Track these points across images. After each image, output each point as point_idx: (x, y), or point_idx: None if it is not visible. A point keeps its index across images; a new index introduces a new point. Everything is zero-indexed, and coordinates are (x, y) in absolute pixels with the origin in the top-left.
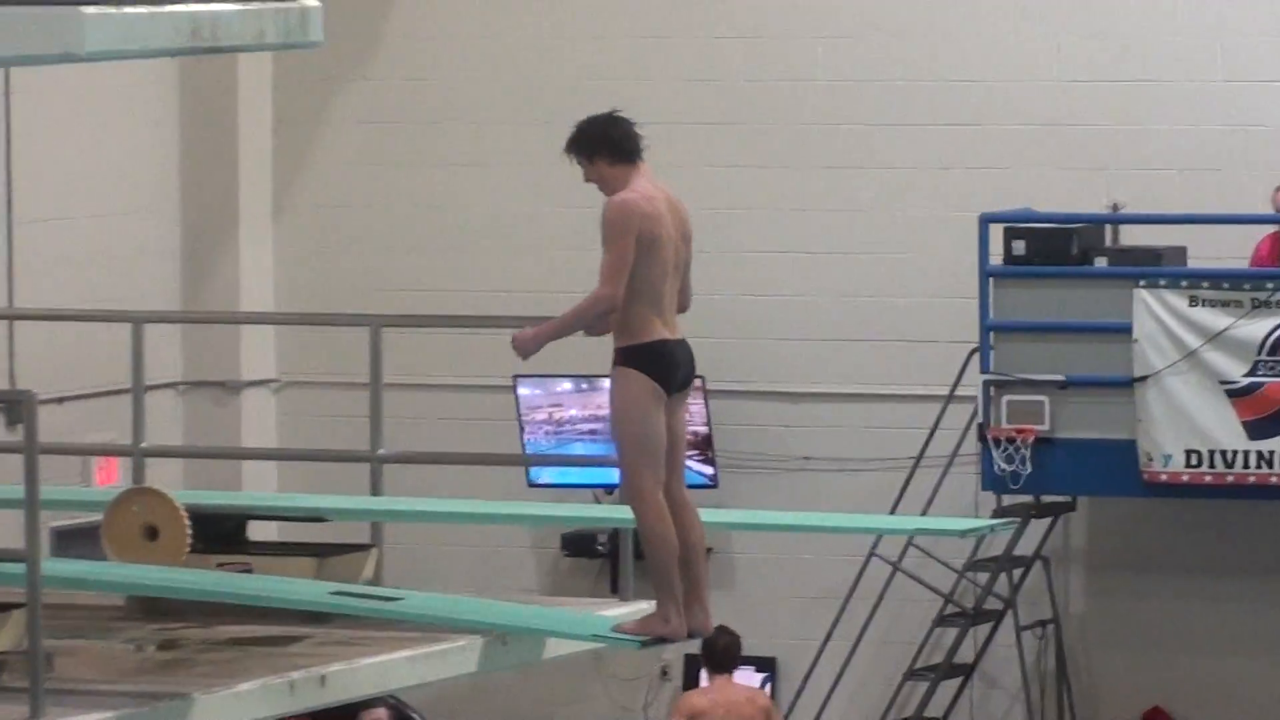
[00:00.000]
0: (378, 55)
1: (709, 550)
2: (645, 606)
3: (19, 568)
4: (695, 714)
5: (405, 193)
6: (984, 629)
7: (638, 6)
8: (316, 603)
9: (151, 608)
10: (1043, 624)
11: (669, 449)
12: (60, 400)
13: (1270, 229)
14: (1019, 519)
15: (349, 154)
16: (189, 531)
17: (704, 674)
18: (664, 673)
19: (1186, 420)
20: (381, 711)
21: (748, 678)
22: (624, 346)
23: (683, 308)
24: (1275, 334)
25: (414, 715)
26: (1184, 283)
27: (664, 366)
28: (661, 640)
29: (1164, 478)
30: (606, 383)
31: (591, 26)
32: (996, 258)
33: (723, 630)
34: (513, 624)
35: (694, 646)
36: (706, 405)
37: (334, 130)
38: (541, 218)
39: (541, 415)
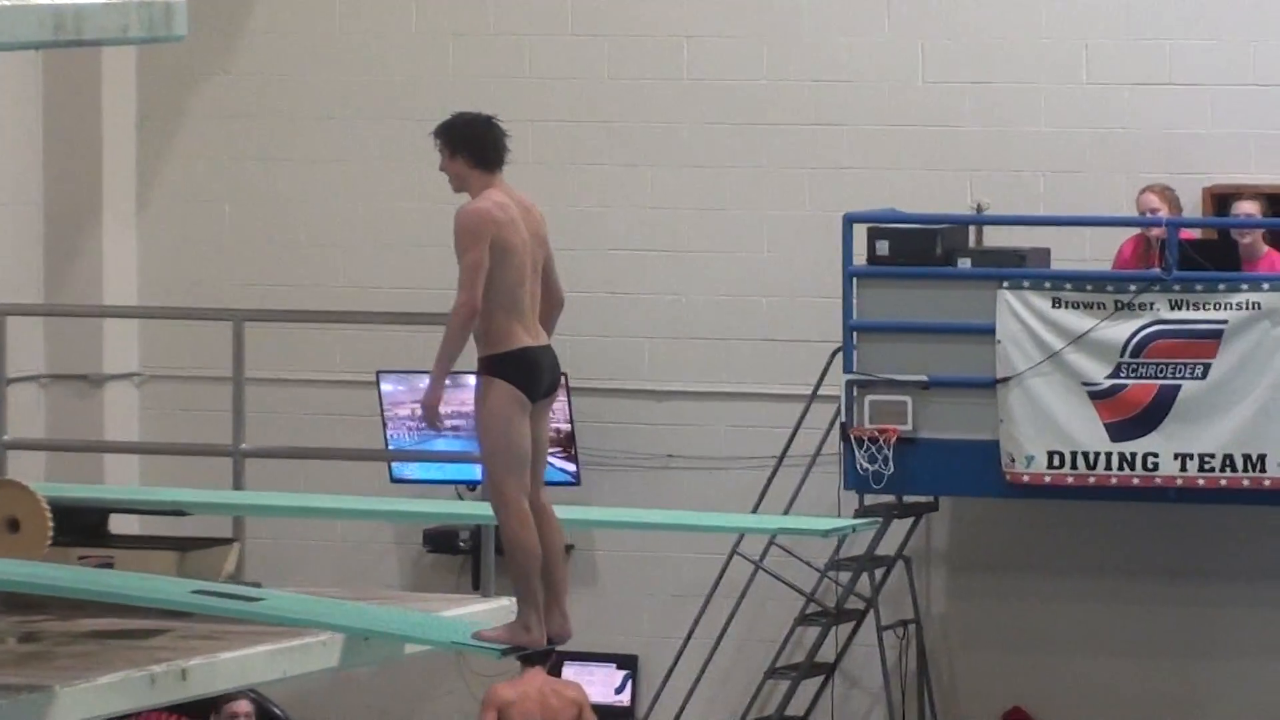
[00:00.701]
0: (240, 51)
1: (570, 548)
2: (506, 603)
3: None
4: (503, 705)
5: (268, 188)
6: (845, 628)
7: (502, 5)
8: (177, 602)
9: (11, 600)
10: (904, 624)
11: (535, 454)
12: None
13: (1133, 231)
14: (881, 519)
15: (213, 148)
16: (50, 524)
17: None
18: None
19: (1049, 421)
20: (243, 703)
21: (607, 675)
22: (487, 356)
23: (558, 304)
24: (1138, 336)
25: (275, 709)
26: (1047, 284)
27: (528, 374)
28: (520, 649)
29: (1026, 478)
30: (470, 379)
31: (456, 25)
32: (860, 258)
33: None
34: (374, 628)
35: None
36: (570, 403)
37: (198, 124)
38: (402, 214)
39: (404, 411)
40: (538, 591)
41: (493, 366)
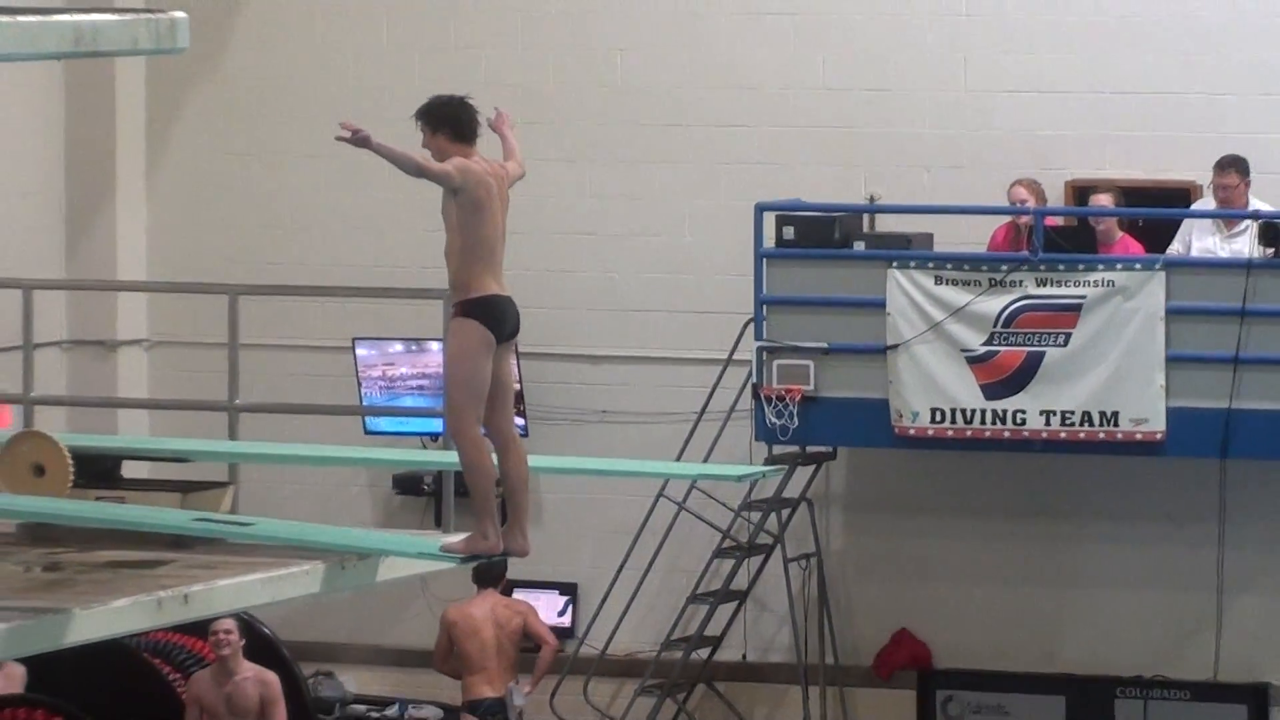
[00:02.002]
0: (233, 60)
1: None
2: (463, 536)
3: None
4: (457, 619)
5: (259, 179)
6: (756, 561)
7: (461, 23)
8: (181, 527)
9: (38, 534)
10: (807, 557)
11: (499, 390)
12: None
13: (1004, 219)
14: (787, 466)
15: (211, 144)
16: (71, 469)
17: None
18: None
19: (932, 383)
20: (226, 622)
21: (550, 601)
22: (463, 300)
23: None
24: (1008, 309)
25: (265, 630)
26: (930, 264)
27: (496, 318)
28: (477, 556)
29: (912, 432)
30: (434, 344)
31: (421, 40)
32: (770, 241)
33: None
34: (355, 546)
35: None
36: (519, 365)
37: (198, 124)
38: (374, 202)
39: (376, 373)
40: (492, 505)
41: (467, 309)
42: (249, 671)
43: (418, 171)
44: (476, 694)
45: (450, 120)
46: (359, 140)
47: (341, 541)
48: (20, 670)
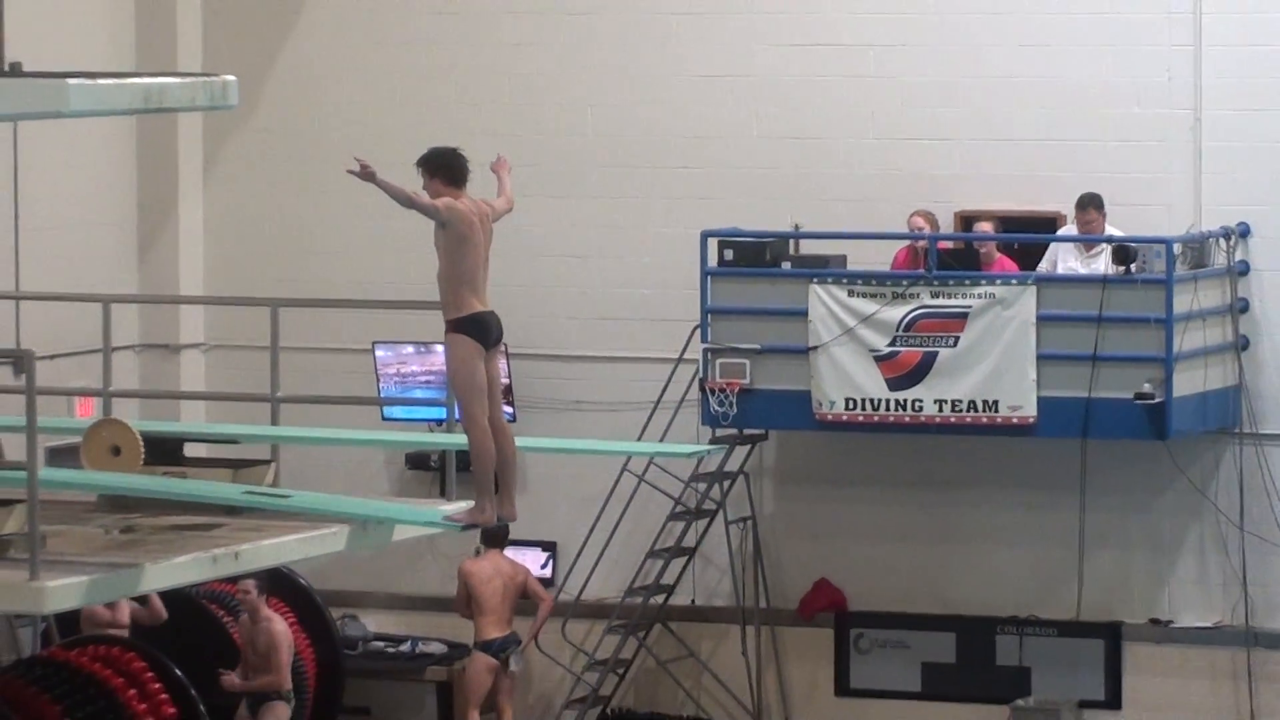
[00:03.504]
0: (275, 111)
1: None
2: (464, 504)
3: (22, 475)
4: (468, 574)
5: (296, 208)
6: (703, 523)
7: (461, 80)
8: (232, 499)
9: (115, 503)
10: (744, 519)
11: (490, 387)
12: (52, 357)
13: (904, 243)
14: (727, 445)
15: (256, 181)
16: (142, 450)
17: (482, 548)
18: (477, 551)
19: (846, 377)
20: (249, 581)
21: (534, 556)
22: (452, 319)
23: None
24: (908, 316)
25: (301, 580)
26: (844, 280)
27: (480, 331)
28: (475, 525)
29: (830, 417)
30: (440, 348)
31: (425, 94)
32: (713, 262)
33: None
34: (376, 515)
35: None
36: (509, 363)
37: (246, 164)
38: (391, 229)
39: (392, 370)
40: (490, 484)
41: (457, 326)
42: (266, 620)
43: (408, 203)
44: (487, 635)
45: (444, 167)
46: (366, 175)
47: (363, 511)
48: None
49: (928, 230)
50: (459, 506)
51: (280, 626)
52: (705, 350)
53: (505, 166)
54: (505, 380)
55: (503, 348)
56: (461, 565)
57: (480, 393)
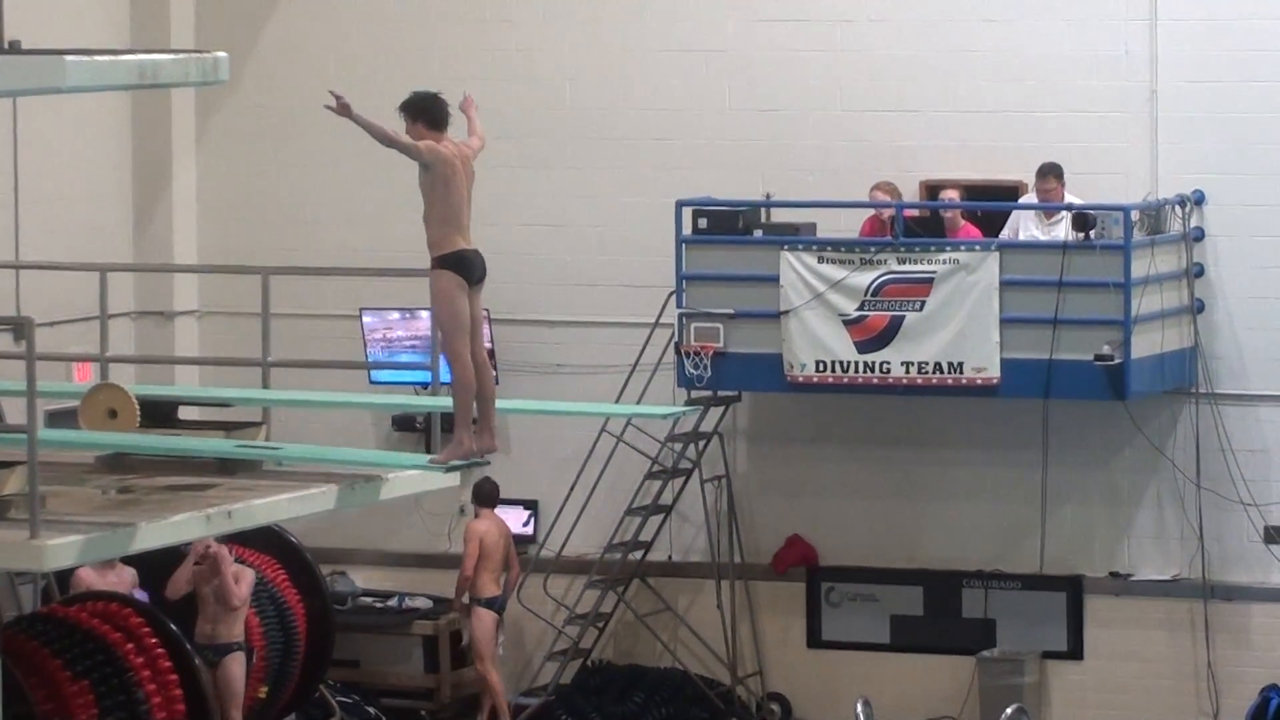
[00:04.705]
0: (264, 85)
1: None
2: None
3: (22, 436)
4: (478, 534)
5: (286, 180)
6: (679, 481)
7: (445, 60)
8: (224, 452)
9: (112, 464)
10: (718, 478)
11: (472, 324)
12: (52, 324)
13: (869, 213)
14: (702, 406)
15: (248, 153)
16: (138, 413)
17: (473, 507)
18: (461, 510)
19: (816, 340)
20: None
21: (516, 514)
22: (437, 255)
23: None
24: (876, 282)
25: (292, 539)
26: (814, 248)
27: (465, 267)
28: (457, 460)
29: (801, 379)
30: (423, 313)
31: (411, 72)
32: (688, 230)
33: (487, 479)
34: (362, 461)
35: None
36: (491, 328)
37: (238, 138)
38: (377, 199)
39: (379, 335)
40: (469, 417)
41: (441, 262)
42: (232, 570)
43: (387, 141)
44: (489, 592)
45: (425, 111)
46: (342, 108)
47: (351, 459)
48: (130, 571)
49: (889, 202)
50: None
51: (250, 574)
52: (680, 315)
53: (473, 105)
54: (489, 345)
55: (484, 318)
56: (469, 526)
57: (463, 327)
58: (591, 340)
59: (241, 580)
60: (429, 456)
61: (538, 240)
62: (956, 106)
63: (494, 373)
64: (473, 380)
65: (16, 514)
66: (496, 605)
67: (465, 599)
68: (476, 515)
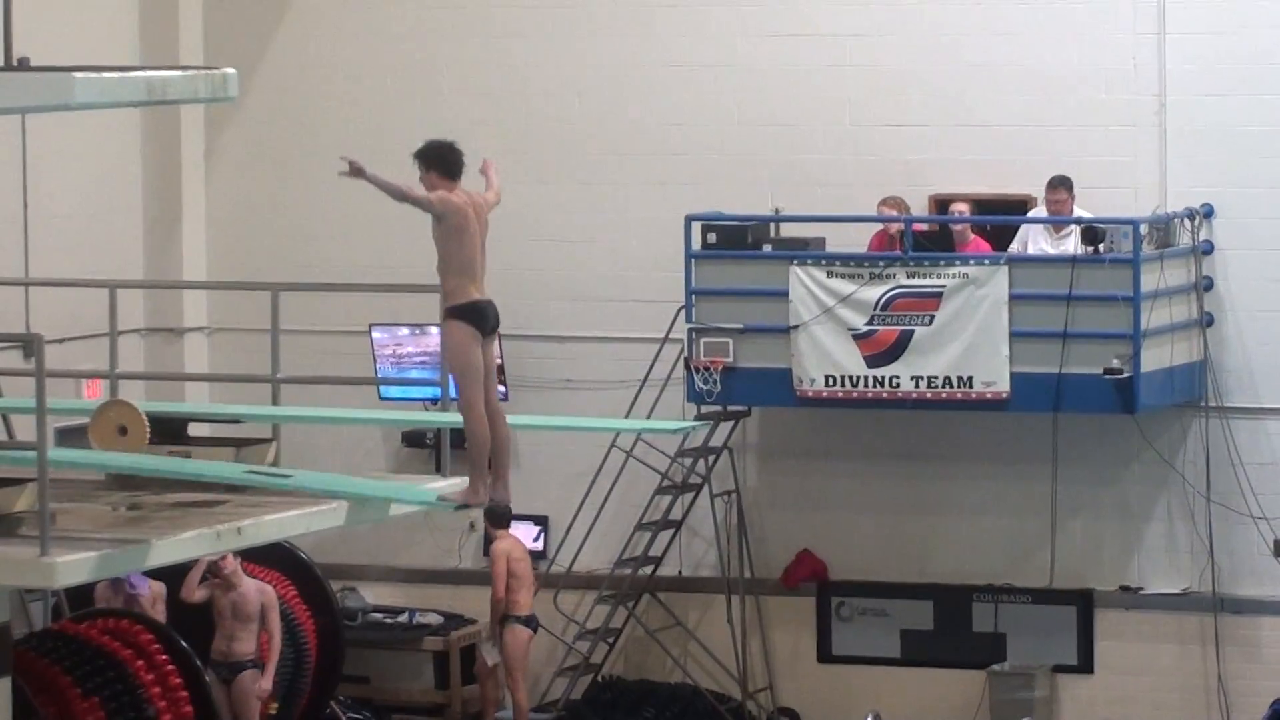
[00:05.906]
0: (270, 105)
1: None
2: (458, 481)
3: (32, 454)
4: (503, 554)
5: (294, 198)
6: (689, 496)
7: (451, 79)
8: (235, 478)
9: (122, 481)
10: (728, 493)
11: (485, 373)
12: (61, 341)
13: (878, 227)
14: (712, 421)
15: (257, 172)
16: (148, 429)
17: (484, 525)
18: (471, 526)
19: (825, 355)
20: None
21: (527, 530)
22: (450, 306)
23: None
24: (885, 296)
25: (302, 555)
26: (823, 262)
27: (477, 318)
28: (468, 505)
29: (810, 394)
30: (434, 330)
31: (416, 91)
32: (697, 245)
33: (501, 502)
34: (373, 494)
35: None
36: (500, 344)
37: (247, 157)
38: (385, 218)
39: (388, 351)
40: (484, 467)
41: (454, 313)
42: (250, 585)
43: (402, 198)
44: (524, 610)
45: (439, 160)
46: (355, 171)
47: (361, 490)
48: (160, 587)
49: (898, 216)
50: (453, 484)
51: (271, 590)
52: (690, 330)
53: (492, 166)
54: (499, 360)
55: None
56: (495, 546)
57: (477, 379)
58: (601, 355)
59: (267, 603)
60: (439, 491)
61: (547, 255)
62: (965, 121)
63: (508, 422)
64: (486, 432)
65: (27, 531)
66: (534, 624)
67: (499, 619)
68: (494, 537)
